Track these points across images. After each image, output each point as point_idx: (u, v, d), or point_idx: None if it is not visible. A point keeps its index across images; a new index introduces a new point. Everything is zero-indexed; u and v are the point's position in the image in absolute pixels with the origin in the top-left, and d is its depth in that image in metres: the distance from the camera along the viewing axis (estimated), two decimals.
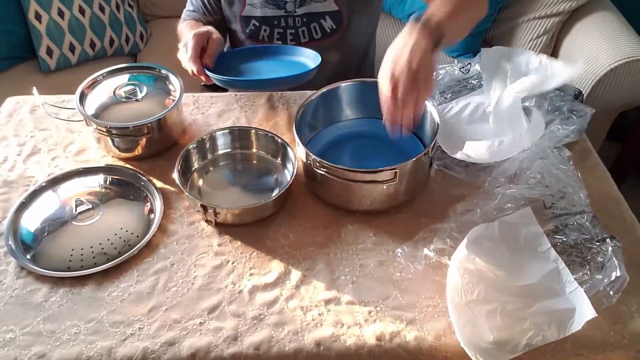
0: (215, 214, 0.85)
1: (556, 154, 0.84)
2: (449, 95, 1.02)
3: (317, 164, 0.83)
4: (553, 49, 1.75)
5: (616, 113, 1.67)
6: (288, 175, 0.92)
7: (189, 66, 0.99)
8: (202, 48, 0.99)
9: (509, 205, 0.80)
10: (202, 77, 1.00)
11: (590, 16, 1.66)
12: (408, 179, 0.85)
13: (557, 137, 0.88)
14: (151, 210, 0.89)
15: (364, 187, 0.84)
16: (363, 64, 1.26)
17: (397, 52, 0.80)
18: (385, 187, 0.83)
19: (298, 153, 0.90)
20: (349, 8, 1.13)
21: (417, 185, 0.90)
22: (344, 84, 0.98)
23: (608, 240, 0.75)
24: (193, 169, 0.95)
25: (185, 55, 1.00)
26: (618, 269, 0.72)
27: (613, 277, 0.71)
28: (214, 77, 0.98)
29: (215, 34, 1.02)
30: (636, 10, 1.74)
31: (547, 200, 0.81)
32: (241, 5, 1.14)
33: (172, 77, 1.02)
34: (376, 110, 1.00)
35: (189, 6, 1.24)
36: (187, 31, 1.08)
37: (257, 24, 1.15)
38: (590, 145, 1.01)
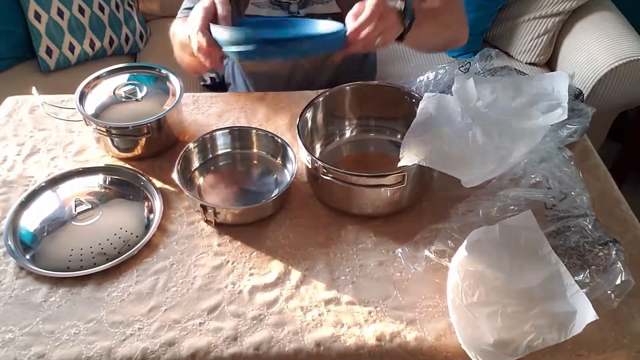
0: (215, 214, 0.84)
1: (559, 155, 0.83)
2: (449, 94, 1.01)
3: (324, 170, 0.82)
4: (553, 49, 1.75)
5: (616, 113, 1.67)
6: (288, 175, 0.92)
7: (194, 41, 0.83)
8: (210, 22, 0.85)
9: (511, 207, 0.80)
10: (211, 58, 0.84)
11: (590, 16, 1.66)
12: (415, 182, 0.84)
13: (560, 137, 0.87)
14: (151, 210, 0.89)
15: (371, 191, 0.83)
16: (364, 65, 1.26)
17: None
18: (391, 191, 0.82)
19: (300, 157, 0.89)
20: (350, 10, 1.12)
21: (423, 188, 0.89)
22: (346, 87, 0.98)
23: (611, 244, 0.74)
24: (193, 168, 0.95)
25: (190, 31, 0.85)
26: (623, 273, 0.71)
27: (618, 281, 0.71)
28: (226, 34, 0.81)
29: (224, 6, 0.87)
30: (637, 10, 1.73)
31: (548, 202, 0.81)
32: (244, 5, 1.13)
33: (172, 77, 1.02)
34: (378, 111, 1.00)
35: (187, 3, 1.16)
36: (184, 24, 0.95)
37: None
38: (590, 145, 1.00)
